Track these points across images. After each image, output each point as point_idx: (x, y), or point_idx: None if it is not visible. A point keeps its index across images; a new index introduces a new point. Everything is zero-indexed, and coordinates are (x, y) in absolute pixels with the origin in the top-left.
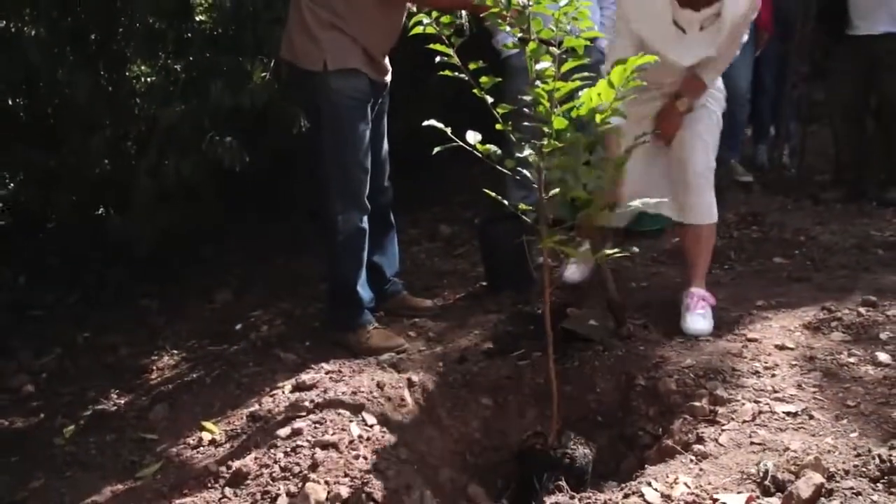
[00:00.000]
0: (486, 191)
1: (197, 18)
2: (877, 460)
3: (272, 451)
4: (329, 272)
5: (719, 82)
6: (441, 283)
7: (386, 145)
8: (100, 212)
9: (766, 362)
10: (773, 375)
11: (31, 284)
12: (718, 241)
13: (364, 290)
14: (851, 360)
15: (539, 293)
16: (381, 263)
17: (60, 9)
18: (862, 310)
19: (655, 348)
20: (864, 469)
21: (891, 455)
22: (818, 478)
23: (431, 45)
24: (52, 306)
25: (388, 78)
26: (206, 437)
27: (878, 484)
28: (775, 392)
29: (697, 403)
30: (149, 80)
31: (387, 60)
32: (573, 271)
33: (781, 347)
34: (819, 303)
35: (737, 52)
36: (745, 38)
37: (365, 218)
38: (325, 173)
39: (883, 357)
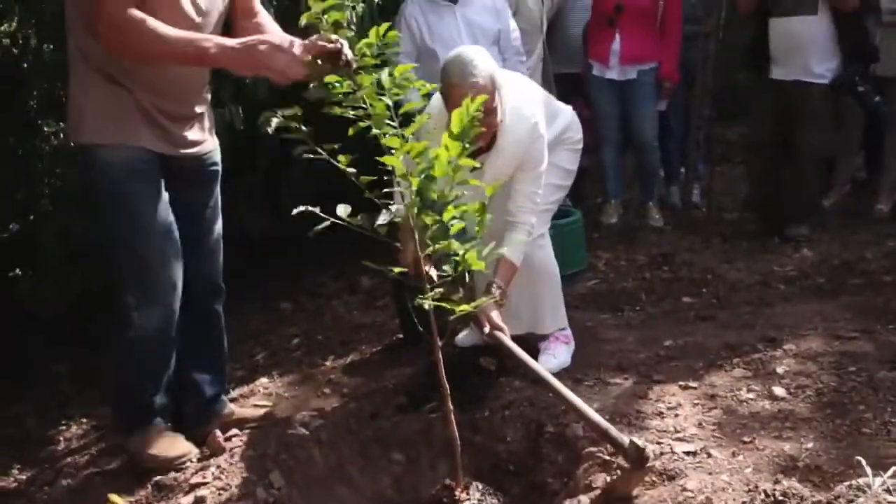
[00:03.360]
0: (366, 262)
1: None
2: (762, 495)
3: None
4: (114, 374)
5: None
6: (359, 337)
7: (216, 233)
8: (14, 273)
9: (669, 402)
10: (676, 416)
11: None
12: (630, 282)
13: (158, 398)
14: (750, 395)
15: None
16: (200, 381)
17: None
18: (761, 345)
19: None
20: None
21: (775, 489)
22: None
23: (287, 135)
24: None
25: (202, 148)
26: None
27: None
28: (677, 432)
29: (602, 448)
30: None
31: (197, 127)
32: (467, 335)
33: (685, 387)
34: (723, 340)
35: (532, 220)
36: (576, 136)
37: (171, 320)
38: (115, 260)
39: (779, 391)
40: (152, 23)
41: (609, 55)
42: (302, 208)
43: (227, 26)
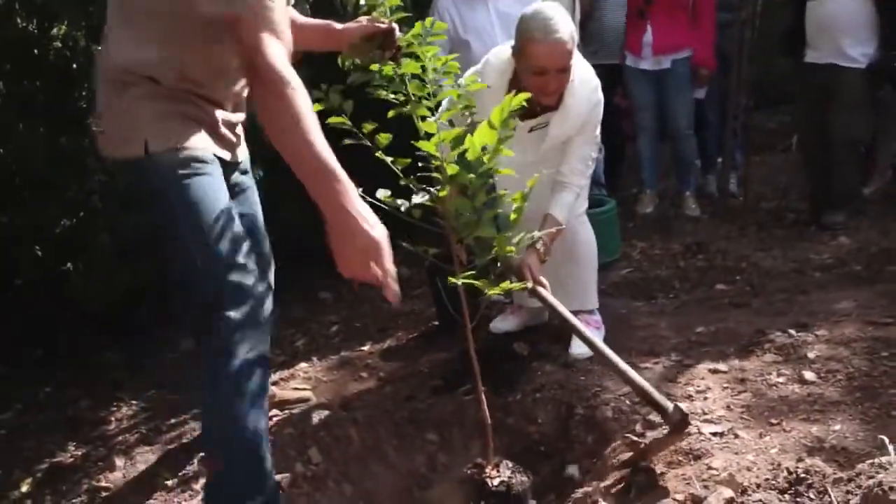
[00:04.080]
0: (403, 243)
1: None
2: (785, 473)
3: None
4: (210, 426)
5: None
6: (395, 324)
7: (266, 244)
8: (65, 267)
9: (698, 386)
10: (705, 398)
11: None
12: (664, 270)
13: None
14: (780, 379)
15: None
16: None
17: (14, 76)
18: (793, 331)
19: (594, 377)
20: (773, 482)
21: (797, 467)
22: (728, 492)
23: (329, 120)
24: (14, 363)
25: (243, 154)
26: (159, 483)
27: (785, 495)
28: (705, 414)
29: (630, 429)
30: None
31: (242, 134)
32: (501, 320)
33: (714, 371)
34: (755, 326)
35: (581, 181)
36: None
37: (266, 312)
38: (190, 266)
39: (809, 375)
40: (300, 98)
41: (641, 46)
42: None
43: None
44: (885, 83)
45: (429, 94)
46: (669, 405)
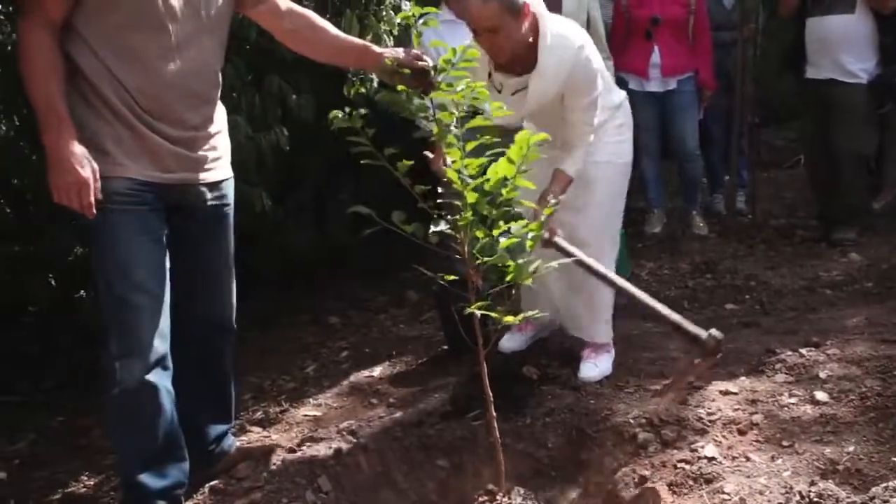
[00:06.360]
0: (417, 265)
1: None
2: (798, 497)
3: None
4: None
5: (622, 149)
6: (405, 349)
7: (224, 269)
8: (78, 295)
9: (709, 408)
10: (716, 421)
11: (5, 372)
12: (673, 291)
13: (154, 479)
14: (792, 400)
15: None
16: (203, 425)
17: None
18: (804, 350)
19: (604, 401)
20: None
21: (810, 491)
22: None
23: (349, 138)
24: (27, 393)
25: (206, 176)
26: None
27: None
28: (716, 437)
29: (641, 452)
30: None
31: (201, 153)
32: (509, 339)
33: (725, 392)
34: (765, 346)
35: (589, 139)
36: (620, 121)
37: (155, 372)
38: (100, 303)
39: (821, 396)
40: (40, 56)
41: (648, 68)
42: (357, 208)
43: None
44: (887, 99)
45: (457, 120)
46: (703, 333)
